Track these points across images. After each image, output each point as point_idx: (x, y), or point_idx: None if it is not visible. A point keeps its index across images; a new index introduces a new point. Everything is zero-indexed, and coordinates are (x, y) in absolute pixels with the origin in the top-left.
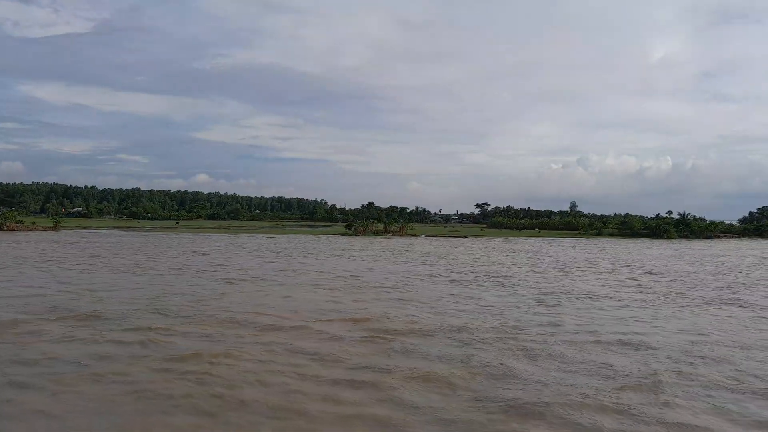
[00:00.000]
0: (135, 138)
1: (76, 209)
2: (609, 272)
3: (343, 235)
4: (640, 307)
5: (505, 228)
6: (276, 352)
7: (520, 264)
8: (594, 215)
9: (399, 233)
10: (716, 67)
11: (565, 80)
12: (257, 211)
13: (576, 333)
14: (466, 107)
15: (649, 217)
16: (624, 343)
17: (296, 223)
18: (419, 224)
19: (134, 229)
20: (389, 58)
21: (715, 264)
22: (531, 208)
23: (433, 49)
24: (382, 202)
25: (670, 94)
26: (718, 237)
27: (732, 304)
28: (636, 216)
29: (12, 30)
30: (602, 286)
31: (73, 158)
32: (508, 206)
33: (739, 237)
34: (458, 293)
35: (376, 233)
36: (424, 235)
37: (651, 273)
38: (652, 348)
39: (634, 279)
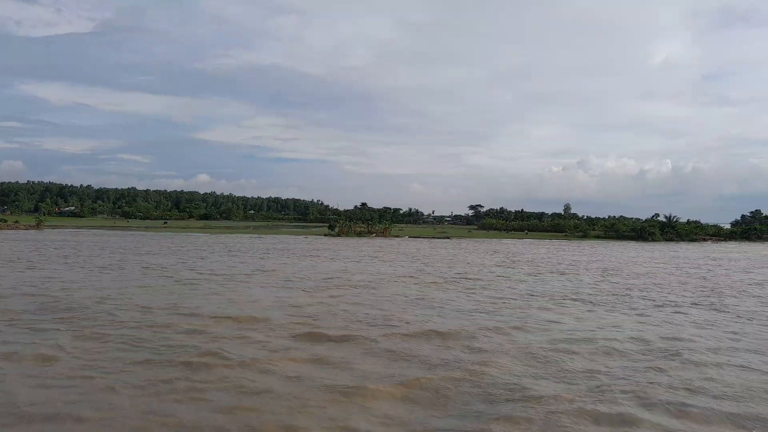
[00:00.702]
0: (136, 138)
1: (68, 208)
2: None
3: (325, 235)
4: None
5: (494, 230)
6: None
7: (483, 264)
8: (588, 217)
9: (382, 234)
10: (718, 70)
11: (567, 82)
12: (252, 211)
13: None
14: (468, 109)
15: (644, 219)
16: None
17: (288, 223)
18: (411, 225)
19: (120, 228)
20: (391, 59)
21: (679, 266)
22: (525, 210)
23: (435, 50)
24: (386, 204)
25: (672, 97)
26: (704, 240)
27: (652, 307)
28: (632, 219)
29: (15, 29)
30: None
31: (74, 158)
32: (501, 208)
33: (726, 240)
34: (411, 294)
35: (359, 234)
36: (407, 236)
37: (608, 271)
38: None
39: (560, 273)
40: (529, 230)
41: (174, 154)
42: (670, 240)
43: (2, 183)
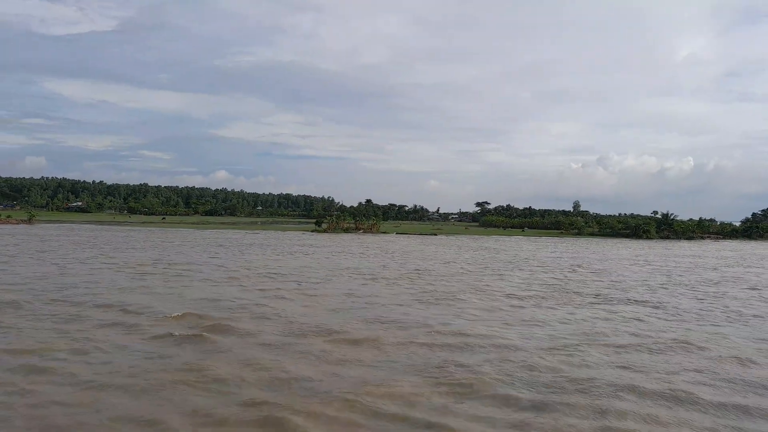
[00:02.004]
0: (157, 135)
1: (75, 204)
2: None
3: (312, 231)
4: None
5: (495, 227)
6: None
7: (454, 260)
8: (597, 215)
9: (370, 230)
10: (741, 66)
11: (587, 79)
12: (259, 208)
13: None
14: (486, 106)
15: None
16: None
17: (291, 219)
18: (417, 222)
19: (116, 223)
20: (408, 56)
21: (652, 263)
22: (535, 207)
23: (453, 47)
24: (397, 201)
25: (694, 94)
26: (702, 238)
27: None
28: (644, 217)
29: (39, 27)
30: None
31: (96, 154)
32: (508, 205)
33: (728, 239)
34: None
35: (346, 230)
36: (395, 233)
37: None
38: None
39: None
40: (530, 227)
41: (193, 150)
42: (667, 238)
43: (16, 179)
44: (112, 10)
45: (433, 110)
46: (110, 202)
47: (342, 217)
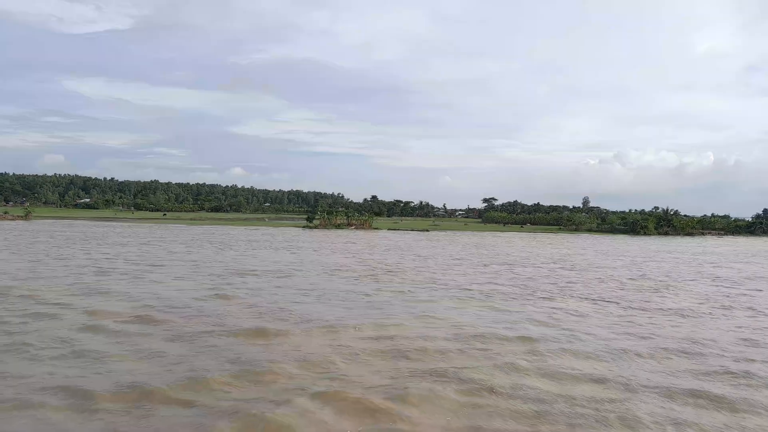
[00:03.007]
0: (173, 132)
1: (83, 200)
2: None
3: (304, 228)
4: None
5: (496, 223)
6: None
7: (425, 256)
8: (606, 211)
9: (362, 227)
10: (762, 60)
11: (604, 74)
12: (267, 204)
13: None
14: (501, 101)
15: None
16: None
17: (298, 216)
18: (422, 218)
19: (116, 220)
20: (423, 52)
21: (634, 258)
22: (543, 203)
23: (468, 43)
24: (416, 197)
25: (714, 89)
26: (702, 234)
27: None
28: (647, 212)
29: (57, 26)
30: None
31: (113, 151)
32: (515, 201)
33: (732, 235)
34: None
35: (338, 226)
36: (386, 229)
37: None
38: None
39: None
40: (533, 224)
41: (209, 148)
42: (665, 234)
43: (29, 176)
44: (129, 8)
45: (447, 106)
46: (120, 198)
47: (335, 214)
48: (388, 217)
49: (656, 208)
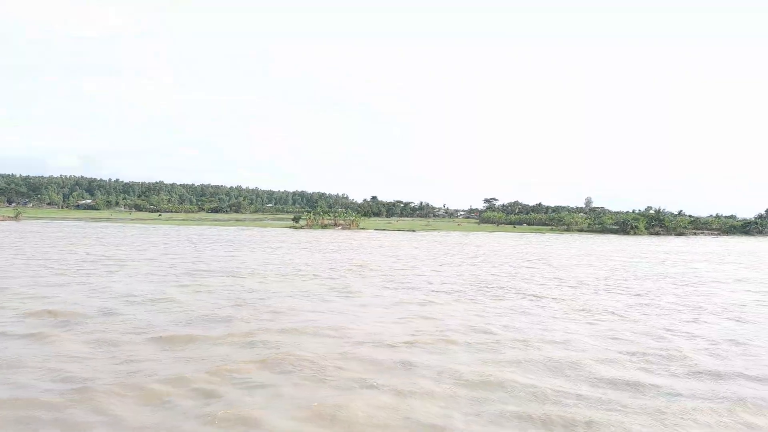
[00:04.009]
0: (187, 133)
1: (84, 201)
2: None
3: (290, 228)
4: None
5: (491, 223)
6: None
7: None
8: (604, 211)
9: (349, 227)
10: None
11: None
12: (269, 204)
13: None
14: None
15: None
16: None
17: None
18: (420, 219)
19: (105, 220)
20: None
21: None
22: (545, 203)
23: None
24: (416, 197)
25: None
26: (694, 234)
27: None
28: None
29: (71, 27)
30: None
31: (125, 153)
32: (516, 201)
33: (726, 235)
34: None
35: (325, 227)
36: (373, 229)
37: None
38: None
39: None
40: (528, 224)
41: (223, 149)
42: (656, 234)
43: (35, 177)
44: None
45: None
46: (124, 199)
47: (323, 215)
48: (387, 217)
49: (649, 208)
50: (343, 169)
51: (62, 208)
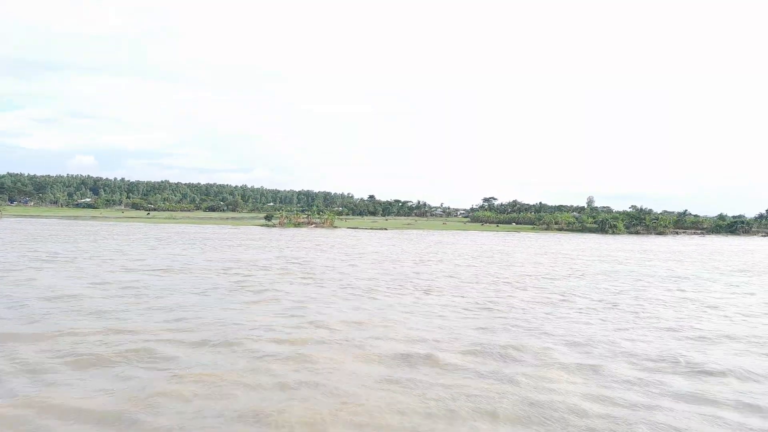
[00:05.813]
0: (199, 133)
1: (83, 200)
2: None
3: (262, 226)
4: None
5: (480, 222)
6: None
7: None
8: (610, 211)
9: (323, 225)
10: None
11: None
12: (271, 204)
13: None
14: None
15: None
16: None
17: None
18: (417, 218)
19: (93, 218)
20: None
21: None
22: (545, 202)
23: None
24: (416, 197)
25: None
26: (675, 233)
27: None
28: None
29: (82, 27)
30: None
31: (140, 152)
32: (514, 200)
33: (711, 233)
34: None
35: (298, 225)
36: (346, 227)
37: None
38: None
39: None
40: (518, 223)
41: (235, 148)
42: (636, 233)
43: (41, 176)
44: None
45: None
46: (128, 198)
47: (296, 213)
48: (384, 216)
49: (633, 206)
50: (347, 169)
51: (62, 206)
